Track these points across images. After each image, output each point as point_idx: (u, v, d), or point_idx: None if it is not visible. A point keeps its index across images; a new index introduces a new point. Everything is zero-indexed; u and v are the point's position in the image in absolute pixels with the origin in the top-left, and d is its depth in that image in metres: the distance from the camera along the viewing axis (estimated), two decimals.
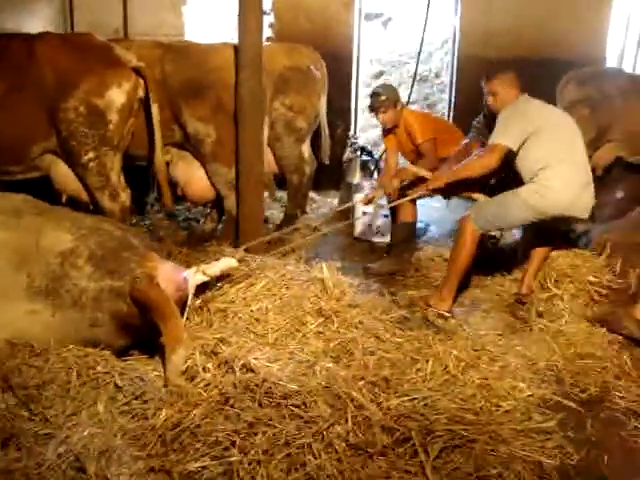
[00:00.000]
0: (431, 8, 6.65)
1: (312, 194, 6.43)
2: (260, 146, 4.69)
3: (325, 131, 5.93)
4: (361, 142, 7.13)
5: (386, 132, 5.22)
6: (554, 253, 4.31)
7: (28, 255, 2.98)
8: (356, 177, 6.30)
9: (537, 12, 6.87)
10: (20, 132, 4.17)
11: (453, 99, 7.24)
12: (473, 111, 5.22)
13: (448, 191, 4.40)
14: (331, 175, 6.56)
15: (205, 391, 2.76)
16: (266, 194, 5.20)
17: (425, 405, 2.83)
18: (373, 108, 5.09)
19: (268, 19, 6.75)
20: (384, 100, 4.97)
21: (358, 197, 5.46)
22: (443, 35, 8.82)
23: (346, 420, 2.61)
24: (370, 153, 6.71)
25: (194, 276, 3.23)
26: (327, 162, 6.04)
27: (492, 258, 4.73)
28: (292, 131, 5.57)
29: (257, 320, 3.27)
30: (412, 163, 4.96)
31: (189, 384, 2.82)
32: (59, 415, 2.63)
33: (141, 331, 3.10)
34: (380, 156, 6.55)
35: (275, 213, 6.22)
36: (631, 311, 3.76)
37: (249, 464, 2.41)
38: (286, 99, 5.48)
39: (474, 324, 3.93)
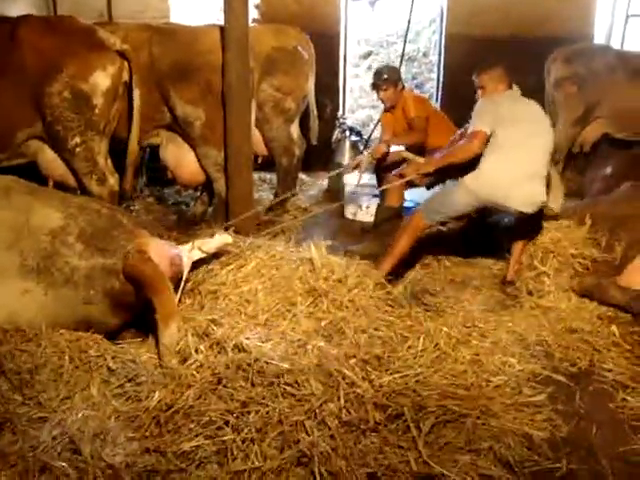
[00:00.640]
0: None
1: (301, 175, 6.42)
2: (248, 128, 4.67)
3: (314, 112, 5.90)
4: (350, 122, 7.11)
5: (385, 110, 5.40)
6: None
7: (20, 233, 2.96)
8: (345, 157, 6.31)
9: None
10: (4, 118, 4.12)
11: (441, 78, 7.21)
12: (461, 90, 5.22)
13: (435, 177, 4.42)
14: (320, 156, 6.55)
15: (198, 372, 2.77)
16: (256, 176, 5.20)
17: (417, 382, 2.85)
18: (375, 86, 5.28)
19: (254, 0, 6.68)
20: (386, 79, 5.18)
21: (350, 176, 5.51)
22: (431, 14, 8.78)
23: (338, 398, 2.63)
24: (359, 133, 6.70)
25: (190, 252, 3.23)
26: (315, 143, 6.02)
27: (483, 236, 4.75)
28: (281, 112, 5.54)
29: (247, 301, 3.28)
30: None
31: (182, 366, 2.83)
32: (53, 399, 2.64)
33: (135, 308, 3.11)
34: (369, 136, 6.56)
35: (264, 195, 6.21)
36: (616, 279, 3.82)
37: (242, 442, 2.44)
38: (274, 80, 5.44)
39: (465, 301, 3.97)
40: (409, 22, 6.65)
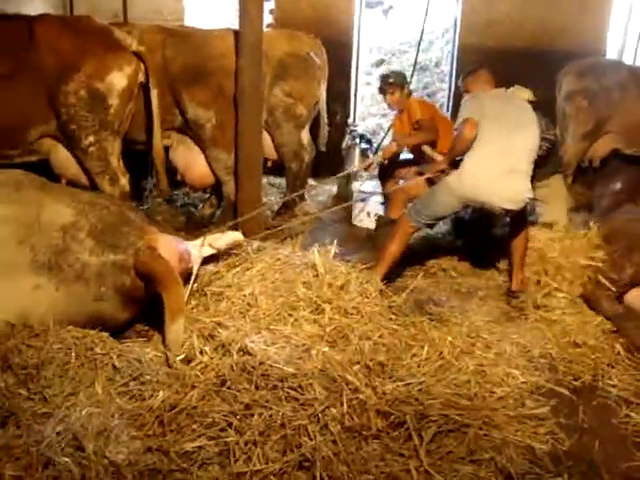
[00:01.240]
0: None
1: (310, 181, 6.43)
2: (259, 133, 4.70)
3: (324, 118, 5.92)
4: (360, 130, 7.12)
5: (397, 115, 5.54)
6: (546, 239, 4.35)
7: (31, 228, 2.98)
8: (355, 165, 6.31)
9: (539, 2, 6.84)
10: (17, 115, 4.14)
11: (453, 88, 7.22)
12: None
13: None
14: (329, 162, 6.56)
15: (202, 373, 2.79)
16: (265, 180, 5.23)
17: (420, 390, 2.86)
18: (381, 90, 5.41)
19: (269, 5, 6.72)
20: (392, 82, 5.29)
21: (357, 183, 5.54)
22: (444, 24, 8.80)
23: (341, 403, 2.64)
24: (369, 141, 6.70)
25: (201, 248, 3.25)
26: (324, 149, 6.04)
27: (489, 246, 4.75)
28: (291, 118, 5.56)
29: (249, 305, 3.29)
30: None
31: (186, 366, 2.85)
32: (57, 395, 2.66)
33: (144, 302, 3.13)
34: (379, 144, 6.58)
35: (273, 199, 6.23)
36: (612, 293, 3.90)
37: (245, 444, 2.45)
38: (285, 86, 5.47)
39: (470, 311, 3.97)
40: (422, 31, 6.67)
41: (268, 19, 6.73)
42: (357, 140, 6.59)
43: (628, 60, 6.98)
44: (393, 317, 3.48)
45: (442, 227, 5.31)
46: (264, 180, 5.51)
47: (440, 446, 2.59)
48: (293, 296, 3.36)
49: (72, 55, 4.11)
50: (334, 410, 2.61)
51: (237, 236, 3.46)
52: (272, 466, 2.38)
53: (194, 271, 3.20)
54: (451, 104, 7.25)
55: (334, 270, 3.58)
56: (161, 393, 2.68)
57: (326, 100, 5.85)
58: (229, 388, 2.69)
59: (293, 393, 2.67)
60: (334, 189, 6.48)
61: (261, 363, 2.78)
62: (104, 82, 4.19)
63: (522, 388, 3.11)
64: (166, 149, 5.17)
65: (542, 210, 5.04)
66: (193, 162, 5.14)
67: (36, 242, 2.96)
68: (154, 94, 4.49)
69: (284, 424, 2.53)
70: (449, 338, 3.33)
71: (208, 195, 5.57)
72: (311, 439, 2.48)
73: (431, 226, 4.29)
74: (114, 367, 2.84)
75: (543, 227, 4.69)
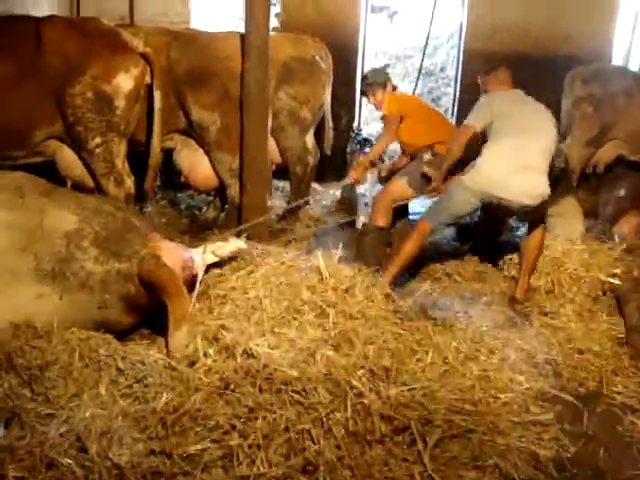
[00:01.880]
0: (438, 2, 6.64)
1: (314, 185, 6.43)
2: (265, 136, 4.70)
3: (329, 122, 5.92)
4: (364, 134, 7.12)
5: None
6: (565, 249, 4.35)
7: (33, 235, 2.96)
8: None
9: (544, 8, 6.85)
10: (24, 116, 4.14)
11: (458, 93, 7.22)
12: None
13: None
14: (334, 166, 6.56)
15: (206, 376, 2.79)
16: None
17: (424, 395, 2.85)
18: (362, 92, 5.26)
19: (274, 9, 6.73)
20: (370, 83, 5.07)
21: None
22: (449, 29, 8.81)
23: (345, 408, 2.63)
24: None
25: (204, 256, 3.25)
26: (329, 153, 6.04)
27: (495, 252, 4.74)
28: (296, 121, 5.56)
29: (254, 308, 3.27)
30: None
31: (190, 369, 2.84)
32: (61, 396, 2.66)
33: (149, 308, 3.12)
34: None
35: (277, 203, 6.22)
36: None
37: (249, 448, 2.45)
38: (290, 89, 5.47)
39: (474, 316, 3.95)
40: (428, 36, 6.68)
41: (274, 23, 6.74)
42: (361, 144, 6.59)
43: (634, 66, 6.97)
44: (398, 322, 3.47)
45: (447, 232, 5.32)
46: None
47: (444, 451, 2.58)
48: (298, 299, 3.34)
49: (79, 57, 4.11)
50: (338, 414, 2.61)
51: (240, 244, 3.46)
52: (275, 470, 2.37)
53: (198, 278, 3.20)
54: (456, 109, 7.25)
55: (339, 274, 3.56)
56: (165, 395, 2.67)
57: (331, 104, 5.85)
58: (233, 391, 2.69)
59: (297, 397, 2.66)
60: (338, 193, 6.48)
61: (265, 366, 2.77)
62: (111, 84, 4.19)
63: (526, 394, 3.10)
64: (170, 151, 5.19)
65: (557, 224, 4.98)
66: (197, 164, 5.14)
67: (39, 250, 2.94)
68: (157, 96, 4.49)
69: (288, 428, 2.52)
70: (454, 343, 3.32)
71: (212, 198, 5.57)
72: (315, 443, 2.47)
73: (450, 226, 4.29)
74: (118, 369, 2.84)
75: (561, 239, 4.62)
